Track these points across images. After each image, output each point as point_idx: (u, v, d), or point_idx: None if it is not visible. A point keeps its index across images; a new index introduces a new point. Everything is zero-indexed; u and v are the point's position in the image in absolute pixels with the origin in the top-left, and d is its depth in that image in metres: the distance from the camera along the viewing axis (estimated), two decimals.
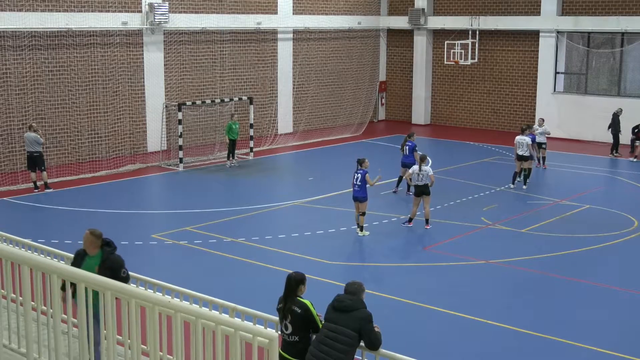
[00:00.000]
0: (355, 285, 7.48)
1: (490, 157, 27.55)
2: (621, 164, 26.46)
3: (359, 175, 17.05)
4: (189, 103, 26.44)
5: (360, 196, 17.03)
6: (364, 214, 17.23)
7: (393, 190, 21.42)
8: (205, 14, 28.53)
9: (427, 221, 17.96)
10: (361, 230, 17.32)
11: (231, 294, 11.50)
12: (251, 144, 27.38)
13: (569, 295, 13.91)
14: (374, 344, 7.14)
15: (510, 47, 33.34)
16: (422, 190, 17.69)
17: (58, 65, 24.60)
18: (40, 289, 7.04)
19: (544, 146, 24.89)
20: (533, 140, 22.42)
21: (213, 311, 6.47)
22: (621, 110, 27.87)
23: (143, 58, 26.90)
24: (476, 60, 33.02)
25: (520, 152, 21.75)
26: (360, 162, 17.30)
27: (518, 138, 21.89)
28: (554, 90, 32.37)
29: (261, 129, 30.81)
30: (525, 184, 22.03)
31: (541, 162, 24.99)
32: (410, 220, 18.08)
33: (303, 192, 21.73)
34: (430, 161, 20.00)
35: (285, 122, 32.41)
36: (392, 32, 36.87)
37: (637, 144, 27.39)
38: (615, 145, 27.47)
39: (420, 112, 36.06)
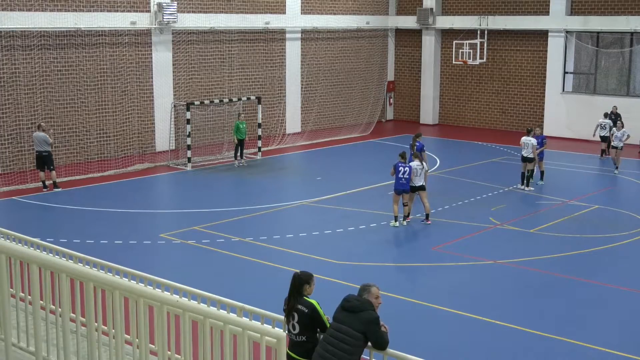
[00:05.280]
0: (368, 287, 7.45)
1: (499, 157, 27.49)
2: (629, 165, 26.33)
3: (407, 168, 17.70)
4: (197, 103, 26.47)
5: (409, 188, 17.84)
6: (406, 204, 18.13)
7: None
8: (214, 14, 28.57)
9: (427, 216, 18.33)
10: (407, 217, 18.25)
11: (239, 293, 11.50)
12: (259, 143, 27.39)
13: (578, 295, 13.86)
14: (380, 344, 7.11)
15: (519, 46, 33.26)
16: (418, 188, 18.09)
17: (67, 65, 24.67)
18: (49, 288, 7.05)
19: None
20: (540, 142, 22.27)
21: (221, 310, 6.47)
22: (610, 111, 27.91)
23: (152, 58, 26.95)
24: (485, 60, 32.96)
25: (524, 154, 21.66)
26: (403, 156, 18.07)
27: (524, 139, 21.78)
28: (563, 90, 32.27)
29: (269, 128, 30.83)
30: (528, 185, 21.95)
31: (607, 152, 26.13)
32: (427, 217, 18.32)
33: (311, 192, 21.73)
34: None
35: (293, 121, 32.42)
36: (400, 32, 36.83)
37: None
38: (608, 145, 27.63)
39: (429, 112, 36.01)
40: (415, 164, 17.96)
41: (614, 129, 25.03)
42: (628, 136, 24.90)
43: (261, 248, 16.35)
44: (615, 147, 24.61)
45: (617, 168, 24.43)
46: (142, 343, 6.01)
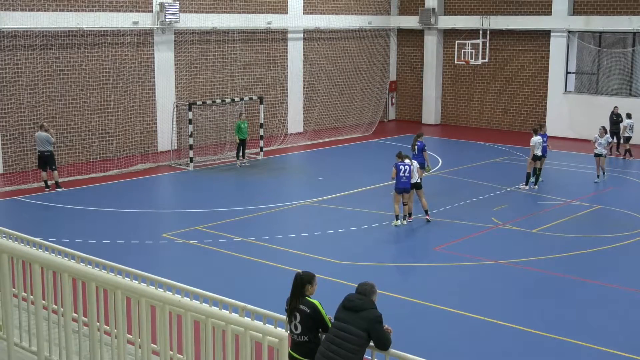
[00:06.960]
0: (367, 286, 7.44)
1: (501, 157, 27.47)
2: (630, 164, 26.32)
3: (407, 167, 17.80)
4: (199, 102, 26.48)
5: (410, 186, 17.94)
6: (406, 203, 18.23)
7: None
8: (216, 14, 28.57)
9: (426, 212, 18.50)
10: (409, 217, 18.41)
11: (241, 293, 11.50)
12: (261, 143, 27.40)
13: (580, 295, 13.85)
14: (383, 344, 7.12)
15: (521, 46, 33.24)
16: (415, 186, 18.25)
17: (69, 65, 24.69)
18: (51, 288, 7.06)
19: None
20: (544, 139, 22.31)
21: (223, 310, 6.47)
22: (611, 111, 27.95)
23: (154, 58, 26.97)
24: (487, 60, 32.95)
25: (538, 153, 21.67)
26: (400, 155, 18.18)
27: (536, 139, 21.69)
28: (565, 90, 32.25)
29: (271, 128, 30.83)
30: (536, 183, 22.03)
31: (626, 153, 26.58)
32: (426, 212, 18.48)
33: (313, 192, 21.73)
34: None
35: (295, 121, 32.42)
36: (402, 32, 36.82)
37: None
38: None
39: (431, 112, 36.00)
40: (407, 161, 18.13)
41: (596, 135, 23.03)
42: (610, 142, 24.16)
43: (263, 248, 16.36)
44: (599, 155, 22.87)
45: (598, 176, 23.17)
46: (144, 343, 6.01)
